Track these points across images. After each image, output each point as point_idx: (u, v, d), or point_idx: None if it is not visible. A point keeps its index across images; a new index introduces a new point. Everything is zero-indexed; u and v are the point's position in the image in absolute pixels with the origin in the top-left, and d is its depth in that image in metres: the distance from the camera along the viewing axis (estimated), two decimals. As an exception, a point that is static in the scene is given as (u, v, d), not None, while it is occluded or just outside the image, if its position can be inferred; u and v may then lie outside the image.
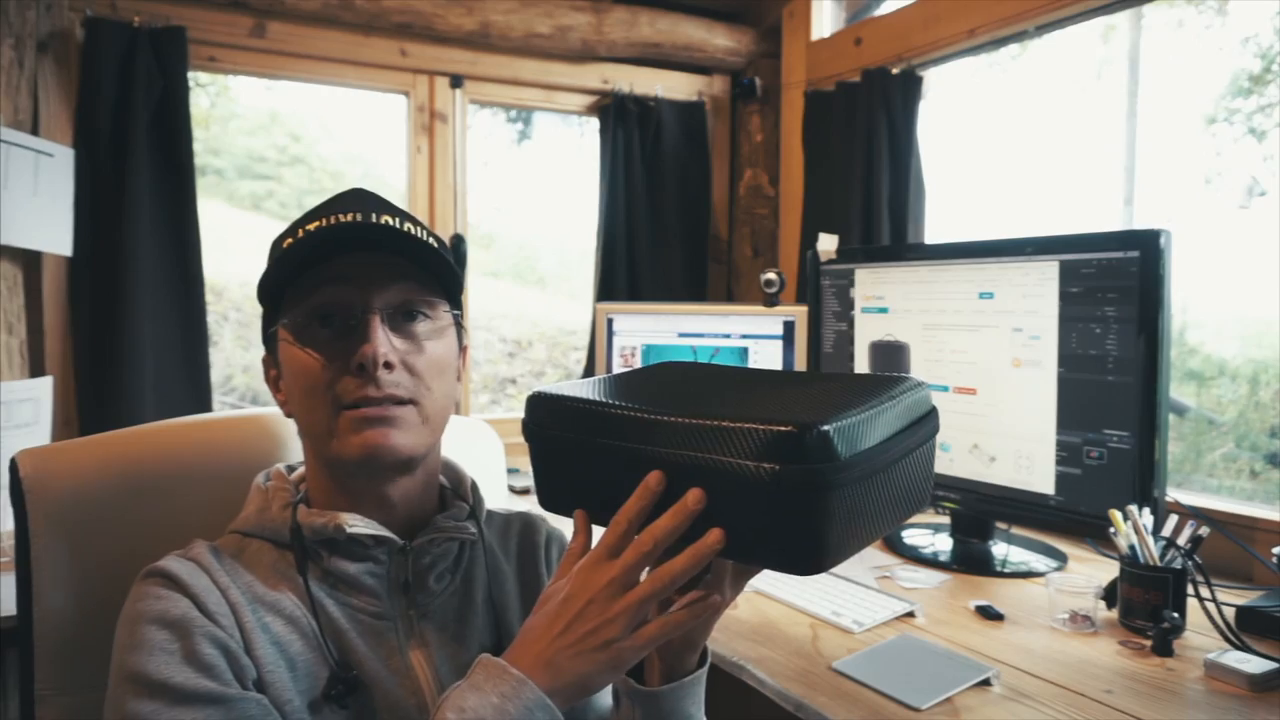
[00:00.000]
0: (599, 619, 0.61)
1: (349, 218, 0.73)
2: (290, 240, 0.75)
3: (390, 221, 0.74)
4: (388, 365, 0.72)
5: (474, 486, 0.86)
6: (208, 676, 0.65)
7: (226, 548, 0.76)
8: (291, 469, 0.83)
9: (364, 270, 0.73)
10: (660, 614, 0.64)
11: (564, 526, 0.79)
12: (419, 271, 0.76)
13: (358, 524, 0.73)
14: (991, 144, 2.23)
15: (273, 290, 0.75)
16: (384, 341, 0.71)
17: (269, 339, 0.77)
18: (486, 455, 1.13)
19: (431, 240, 0.76)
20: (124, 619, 0.69)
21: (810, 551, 0.57)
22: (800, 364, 1.78)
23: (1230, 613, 1.13)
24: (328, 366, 0.72)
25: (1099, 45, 2.03)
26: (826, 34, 2.32)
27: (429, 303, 0.76)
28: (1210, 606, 1.10)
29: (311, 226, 0.73)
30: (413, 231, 0.74)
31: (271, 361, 0.79)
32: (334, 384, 0.72)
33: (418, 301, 0.76)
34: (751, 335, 1.85)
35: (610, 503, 0.63)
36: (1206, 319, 1.93)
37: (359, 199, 0.77)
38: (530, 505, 2.07)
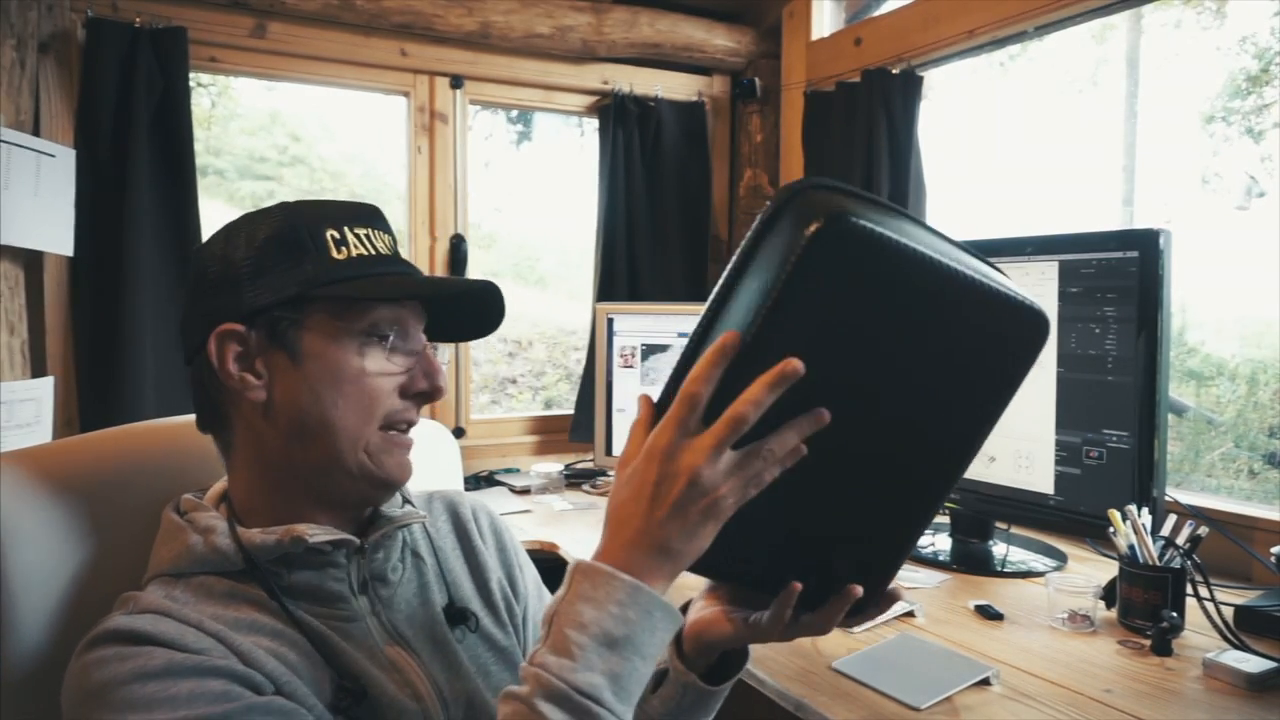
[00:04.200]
0: (711, 495, 0.58)
1: (389, 239, 0.78)
2: (342, 238, 0.74)
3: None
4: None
5: None
6: (226, 701, 0.60)
7: (170, 590, 0.70)
8: (199, 494, 0.79)
9: (409, 304, 0.77)
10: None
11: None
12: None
13: (317, 533, 0.72)
14: (991, 144, 2.23)
15: (318, 281, 0.72)
16: None
17: (276, 319, 0.72)
18: (446, 459, 1.16)
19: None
20: (82, 695, 0.61)
21: None
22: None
23: (1229, 612, 1.13)
24: (395, 384, 0.74)
25: (1096, 46, 2.03)
26: (826, 34, 2.32)
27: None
28: (1209, 606, 1.10)
29: (361, 232, 0.76)
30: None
31: (251, 337, 0.72)
32: (387, 400, 0.74)
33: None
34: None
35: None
36: (1206, 319, 1.93)
37: (386, 221, 0.81)
38: (526, 505, 2.06)
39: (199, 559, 0.71)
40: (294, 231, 0.73)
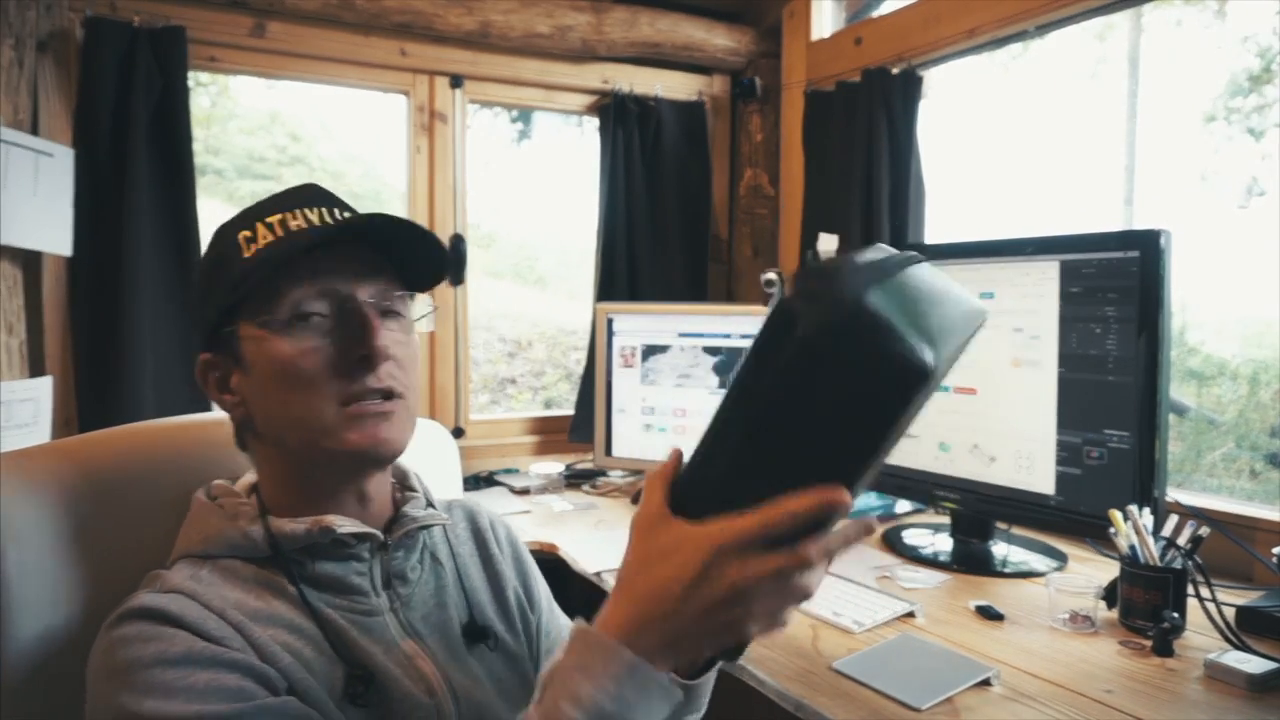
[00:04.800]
0: (748, 616, 0.55)
1: (315, 213, 0.74)
2: (252, 235, 0.73)
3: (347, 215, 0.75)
4: (386, 357, 0.72)
5: (417, 476, 0.88)
6: (240, 699, 0.62)
7: (196, 570, 0.72)
8: (230, 481, 0.81)
9: (344, 264, 0.73)
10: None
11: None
12: (391, 265, 0.77)
13: (345, 524, 0.73)
14: (992, 144, 2.23)
15: (235, 287, 0.72)
16: (384, 333, 0.72)
17: (223, 338, 0.74)
18: (445, 459, 1.16)
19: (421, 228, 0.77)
20: (107, 672, 0.63)
21: None
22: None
23: (1230, 613, 1.13)
24: (326, 359, 0.71)
25: (1097, 45, 2.03)
26: (826, 34, 2.32)
27: (404, 297, 0.78)
28: (1210, 606, 1.10)
29: (274, 219, 0.73)
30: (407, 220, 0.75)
31: (220, 361, 0.75)
32: (333, 377, 0.71)
33: (397, 295, 0.77)
34: (751, 335, 1.85)
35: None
36: (1206, 319, 1.93)
37: (320, 194, 0.78)
38: (526, 505, 2.05)
39: (228, 542, 0.73)
40: (215, 247, 0.76)
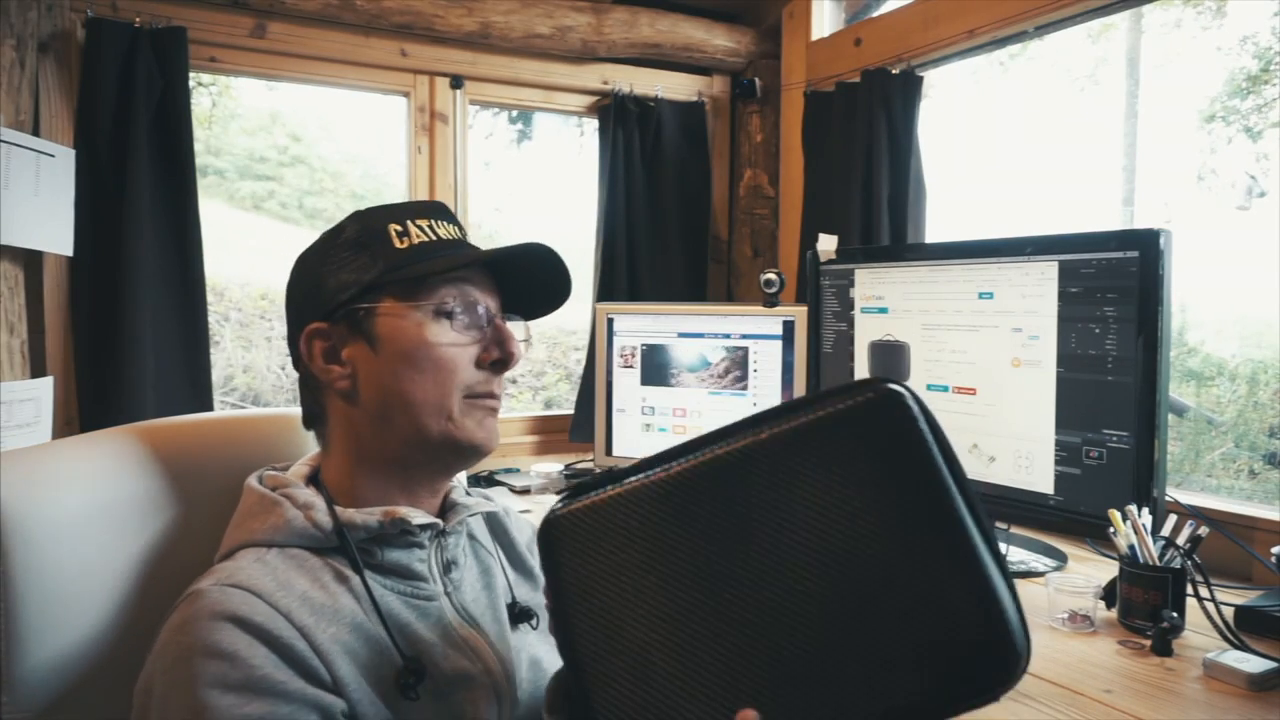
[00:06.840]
0: None
1: (452, 228, 0.84)
2: (403, 230, 0.80)
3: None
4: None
5: None
6: None
7: (262, 555, 0.73)
8: (280, 470, 0.84)
9: (479, 279, 0.82)
10: None
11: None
12: (501, 289, 0.85)
13: (416, 515, 0.77)
14: (991, 144, 2.24)
15: (390, 269, 0.78)
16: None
17: (352, 311, 0.79)
18: None
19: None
20: (171, 681, 0.64)
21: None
22: (800, 365, 1.78)
23: (1229, 612, 1.13)
24: (468, 354, 0.79)
25: (1094, 45, 2.04)
26: (826, 34, 2.32)
27: (509, 318, 0.86)
28: (1209, 606, 1.10)
29: (423, 223, 0.81)
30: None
31: (335, 333, 0.80)
32: (463, 370, 0.79)
33: (506, 316, 0.87)
34: (751, 335, 1.86)
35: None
36: (1206, 319, 1.93)
37: (448, 211, 0.86)
38: (526, 505, 2.05)
39: (296, 533, 0.75)
40: (361, 232, 0.81)
